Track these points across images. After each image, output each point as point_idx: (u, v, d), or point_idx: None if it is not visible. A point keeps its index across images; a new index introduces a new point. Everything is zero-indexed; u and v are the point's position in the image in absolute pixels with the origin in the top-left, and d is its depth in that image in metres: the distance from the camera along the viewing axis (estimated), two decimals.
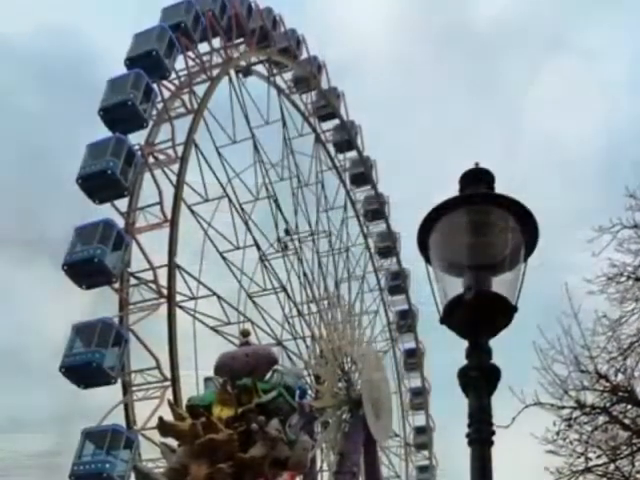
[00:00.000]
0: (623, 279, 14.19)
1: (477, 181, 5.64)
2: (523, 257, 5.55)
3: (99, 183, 38.53)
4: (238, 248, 45.81)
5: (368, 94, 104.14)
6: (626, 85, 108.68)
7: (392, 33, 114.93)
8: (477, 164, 5.77)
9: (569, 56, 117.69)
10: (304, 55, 58.54)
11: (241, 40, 51.30)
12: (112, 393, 38.15)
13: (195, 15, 45.94)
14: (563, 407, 13.60)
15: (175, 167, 41.98)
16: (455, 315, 5.42)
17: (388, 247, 65.90)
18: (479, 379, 5.29)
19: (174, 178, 41.61)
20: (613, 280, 14.17)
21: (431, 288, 5.61)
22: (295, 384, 13.43)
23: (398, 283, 66.10)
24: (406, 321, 65.76)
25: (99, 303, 40.86)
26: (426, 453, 64.26)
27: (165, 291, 39.02)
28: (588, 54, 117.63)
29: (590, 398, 13.78)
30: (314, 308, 50.97)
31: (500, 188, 5.67)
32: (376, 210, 65.08)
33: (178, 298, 39.74)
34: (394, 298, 66.83)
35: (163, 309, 38.80)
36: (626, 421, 13.76)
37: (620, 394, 13.67)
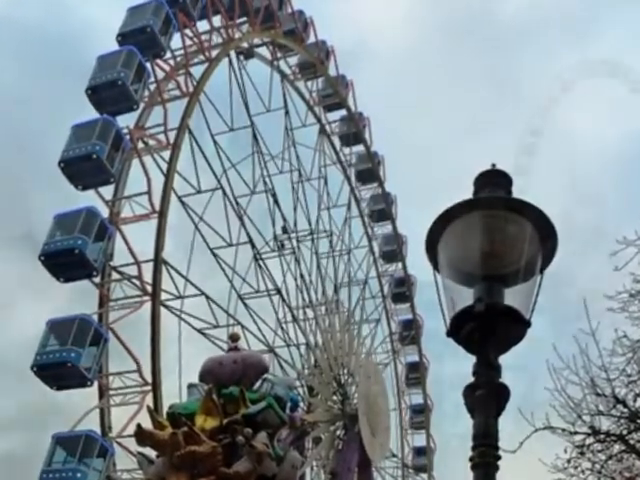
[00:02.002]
0: None
1: (493, 184, 5.65)
2: (539, 268, 5.55)
3: (83, 168, 38.47)
4: (231, 245, 45.79)
5: (374, 85, 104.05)
6: None
7: (404, 21, 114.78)
8: (494, 165, 5.77)
9: (593, 53, 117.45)
10: (311, 39, 58.49)
11: (244, 19, 51.23)
12: (87, 396, 38.27)
13: None
14: (576, 432, 13.57)
15: (166, 154, 41.92)
16: (463, 328, 5.42)
17: (393, 251, 65.83)
18: (486, 398, 5.28)
19: (164, 166, 41.53)
20: (636, 298, 14.11)
21: (438, 298, 5.61)
22: (286, 395, 13.45)
23: (403, 290, 66.05)
24: (410, 332, 65.67)
25: (77, 298, 40.95)
26: (425, 476, 64.22)
27: (149, 288, 38.98)
28: (613, 51, 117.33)
29: (605, 424, 13.75)
30: (310, 314, 50.87)
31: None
32: (382, 210, 65.02)
33: (163, 296, 39.73)
34: (398, 307, 66.84)
35: (146, 307, 38.79)
36: None
37: (638, 421, 13.66)
